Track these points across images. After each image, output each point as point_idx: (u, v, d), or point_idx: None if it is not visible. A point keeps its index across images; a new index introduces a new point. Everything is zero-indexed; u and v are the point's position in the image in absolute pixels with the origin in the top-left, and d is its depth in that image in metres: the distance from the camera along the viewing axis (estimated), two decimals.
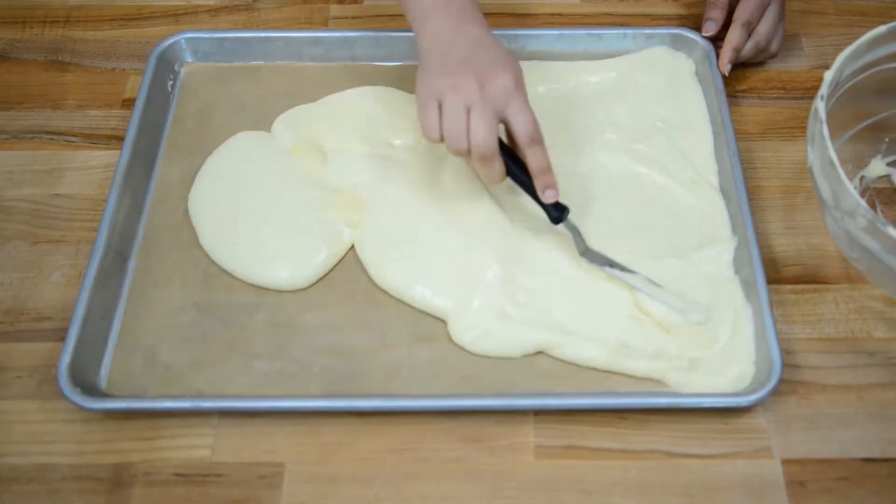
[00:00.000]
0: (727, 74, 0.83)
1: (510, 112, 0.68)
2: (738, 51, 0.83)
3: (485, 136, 0.67)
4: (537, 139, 0.69)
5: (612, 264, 0.71)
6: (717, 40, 0.86)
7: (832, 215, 0.65)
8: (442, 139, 0.68)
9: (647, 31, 0.87)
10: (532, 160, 0.69)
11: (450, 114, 0.67)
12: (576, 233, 0.72)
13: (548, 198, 0.70)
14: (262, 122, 0.83)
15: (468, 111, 0.67)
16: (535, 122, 0.68)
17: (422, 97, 0.69)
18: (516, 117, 0.68)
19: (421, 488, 0.63)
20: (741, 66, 0.86)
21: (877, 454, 0.64)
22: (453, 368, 0.68)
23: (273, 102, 0.84)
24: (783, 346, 0.67)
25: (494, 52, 0.69)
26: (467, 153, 0.68)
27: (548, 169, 0.70)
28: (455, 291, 0.70)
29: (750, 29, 0.83)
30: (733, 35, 0.83)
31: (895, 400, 0.67)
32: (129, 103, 0.85)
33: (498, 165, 0.69)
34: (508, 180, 0.71)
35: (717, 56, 0.84)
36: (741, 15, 0.83)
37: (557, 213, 0.71)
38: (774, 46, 0.86)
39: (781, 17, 0.85)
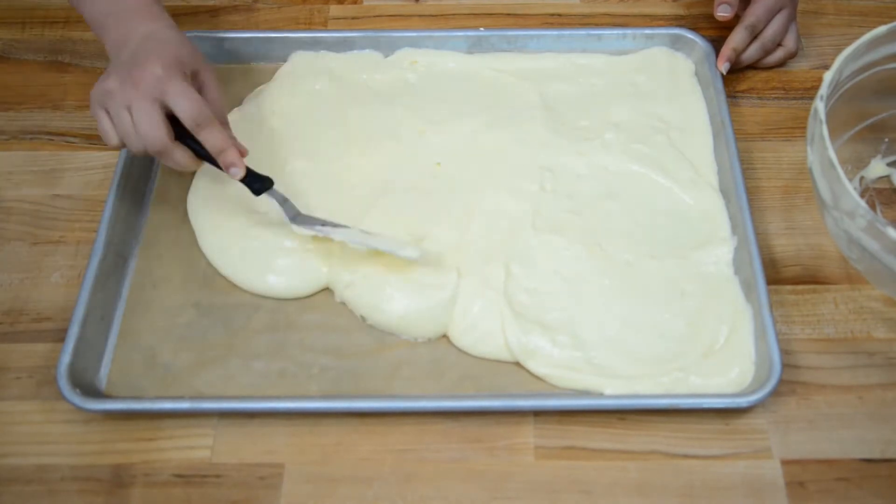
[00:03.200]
0: (724, 73, 0.83)
1: (169, 100, 0.67)
2: (737, 52, 0.83)
3: (148, 131, 0.67)
4: (203, 120, 0.67)
5: (323, 223, 0.71)
6: (717, 40, 0.85)
7: (832, 215, 0.65)
8: (123, 144, 0.69)
9: (647, 31, 0.87)
10: (206, 142, 0.68)
11: (116, 118, 0.68)
12: (283, 201, 0.72)
13: (234, 175, 0.70)
14: None
15: (129, 111, 0.67)
16: (196, 104, 0.67)
17: (91, 108, 0.70)
18: (176, 104, 0.67)
19: (421, 488, 0.63)
20: (754, 67, 0.86)
21: (877, 454, 0.64)
22: (453, 369, 0.68)
23: None
24: (783, 347, 0.67)
25: (154, 45, 0.69)
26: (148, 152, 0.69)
27: (225, 146, 0.68)
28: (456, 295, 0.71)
29: (755, 32, 0.83)
30: (735, 36, 0.83)
31: (895, 400, 0.67)
32: None
33: (179, 156, 0.69)
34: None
35: (715, 55, 0.83)
36: (747, 18, 0.83)
37: (258, 184, 0.71)
38: (791, 45, 0.85)
39: (792, 19, 0.85)
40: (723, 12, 0.84)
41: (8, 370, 0.69)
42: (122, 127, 0.68)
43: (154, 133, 0.67)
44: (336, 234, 0.70)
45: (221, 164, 0.69)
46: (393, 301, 0.70)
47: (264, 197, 0.72)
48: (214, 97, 0.70)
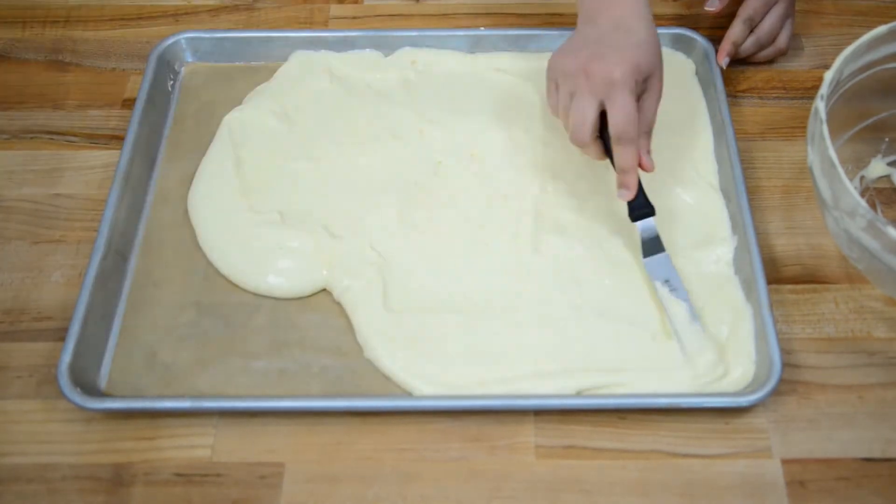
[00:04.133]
0: (724, 67, 0.83)
1: (608, 105, 0.67)
2: (737, 45, 0.83)
3: (576, 125, 0.68)
4: (625, 137, 0.67)
5: (667, 281, 0.70)
6: (717, 40, 0.85)
7: (832, 215, 0.65)
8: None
9: None
10: (616, 156, 0.69)
11: (560, 97, 0.70)
12: (651, 238, 0.71)
13: (619, 196, 0.70)
14: None
15: (571, 97, 0.68)
16: (627, 120, 0.66)
17: (547, 78, 0.72)
18: (611, 111, 0.67)
19: (421, 488, 0.63)
20: (747, 64, 0.87)
21: (877, 454, 0.64)
22: None
23: None
24: (783, 346, 0.67)
25: (623, 39, 0.68)
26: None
27: (628, 168, 0.69)
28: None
29: (752, 25, 0.83)
30: (734, 30, 0.83)
31: (895, 400, 0.67)
32: (129, 103, 0.85)
33: (593, 151, 0.70)
34: None
35: (716, 55, 0.84)
36: (744, 11, 0.83)
37: (637, 211, 0.71)
38: (783, 42, 0.85)
39: (788, 14, 0.85)
40: (710, 6, 0.85)
41: (8, 369, 0.69)
42: (559, 107, 0.70)
43: (581, 129, 0.68)
44: (669, 305, 0.69)
45: (617, 181, 0.70)
46: None
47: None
48: (650, 105, 0.69)
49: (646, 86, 0.69)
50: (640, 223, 0.71)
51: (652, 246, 0.71)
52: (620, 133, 0.67)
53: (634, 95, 0.67)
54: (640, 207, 0.71)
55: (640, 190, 0.70)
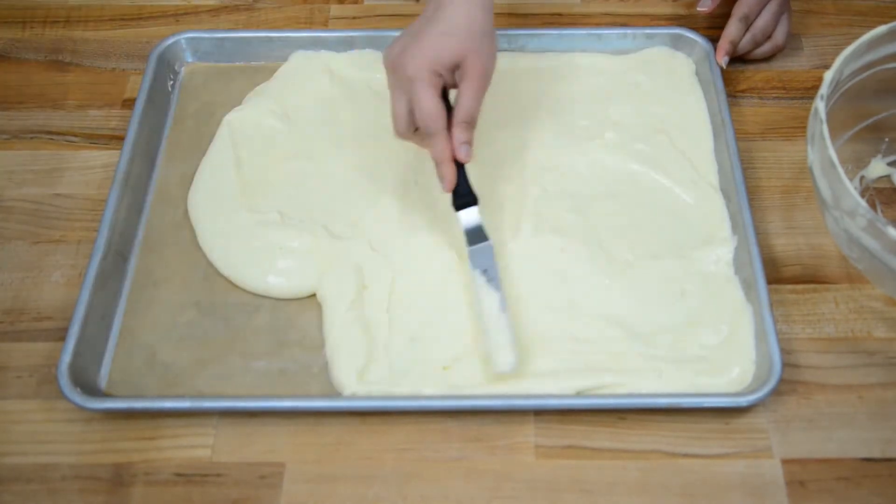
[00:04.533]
0: (724, 67, 0.83)
1: (412, 101, 0.66)
2: (734, 44, 0.83)
3: (393, 119, 0.68)
4: (429, 132, 0.66)
5: (485, 271, 0.69)
6: (717, 40, 0.86)
7: (832, 215, 0.65)
8: None
9: (647, 31, 0.87)
10: (431, 151, 0.68)
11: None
12: (474, 228, 0.70)
13: (441, 187, 0.69)
14: None
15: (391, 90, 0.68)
16: (427, 115, 0.66)
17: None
18: (414, 107, 0.67)
19: (421, 488, 0.63)
20: (747, 63, 0.87)
21: (877, 454, 0.64)
22: None
23: None
24: (783, 346, 0.67)
25: (432, 28, 0.66)
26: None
27: (439, 160, 0.68)
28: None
29: (748, 23, 0.84)
30: (730, 29, 0.83)
31: (895, 400, 0.67)
32: (129, 103, 0.85)
33: (416, 143, 0.70)
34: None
35: (715, 55, 0.84)
36: (739, 9, 0.83)
37: (460, 200, 0.70)
38: (780, 38, 0.86)
39: (783, 10, 0.85)
40: (702, 6, 0.85)
41: (8, 369, 0.69)
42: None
43: (396, 123, 0.68)
44: (482, 294, 0.68)
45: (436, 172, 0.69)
46: None
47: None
48: (466, 93, 0.66)
49: (461, 74, 0.67)
50: (462, 212, 0.70)
51: (475, 235, 0.70)
52: (424, 128, 0.67)
53: (434, 88, 0.66)
54: (463, 196, 0.70)
55: (463, 179, 0.69)
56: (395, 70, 0.67)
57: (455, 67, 0.66)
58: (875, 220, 0.61)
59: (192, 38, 0.87)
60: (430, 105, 0.65)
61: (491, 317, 0.67)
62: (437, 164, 0.68)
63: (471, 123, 0.67)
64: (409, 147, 0.80)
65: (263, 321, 0.71)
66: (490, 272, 0.69)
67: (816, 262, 0.74)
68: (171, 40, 0.87)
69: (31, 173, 0.81)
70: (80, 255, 0.75)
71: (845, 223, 0.64)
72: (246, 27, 0.92)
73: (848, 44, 0.68)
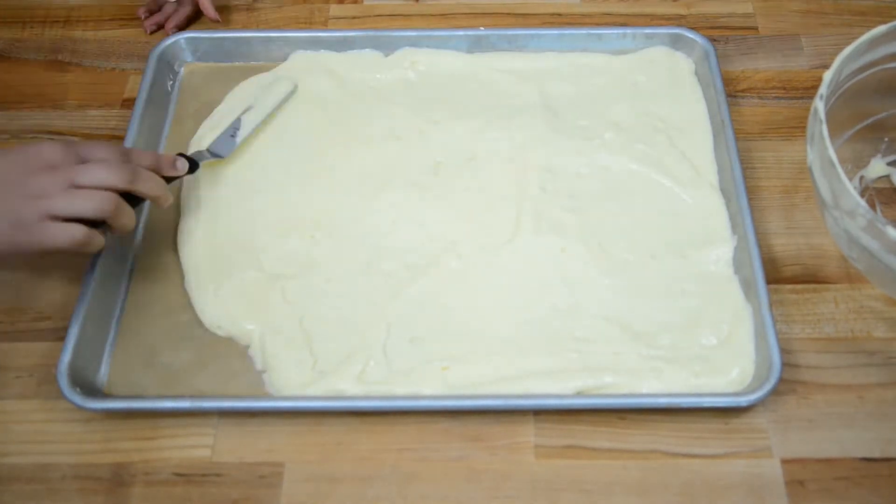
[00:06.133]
0: None
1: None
2: None
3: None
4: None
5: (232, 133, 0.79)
6: (717, 40, 0.86)
7: (832, 215, 0.65)
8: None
9: (647, 31, 0.87)
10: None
11: None
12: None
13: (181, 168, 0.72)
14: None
15: None
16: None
17: None
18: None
19: (421, 488, 0.63)
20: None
21: (877, 454, 0.64)
22: None
23: None
24: (783, 346, 0.67)
25: None
26: None
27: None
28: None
29: None
30: None
31: (895, 400, 0.67)
32: (129, 103, 0.85)
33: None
34: None
35: (715, 55, 0.83)
36: None
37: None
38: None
39: None
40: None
41: (8, 369, 0.69)
42: None
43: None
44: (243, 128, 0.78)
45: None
46: None
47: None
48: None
49: None
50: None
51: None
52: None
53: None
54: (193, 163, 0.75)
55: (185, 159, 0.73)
56: None
57: None
58: (875, 220, 0.61)
59: (192, 38, 0.87)
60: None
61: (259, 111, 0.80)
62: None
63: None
64: (411, 147, 0.81)
65: None
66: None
67: (816, 262, 0.74)
68: (170, 40, 0.87)
69: None
70: (80, 255, 0.75)
71: (845, 223, 0.64)
72: (245, 27, 0.92)
73: (848, 44, 0.68)
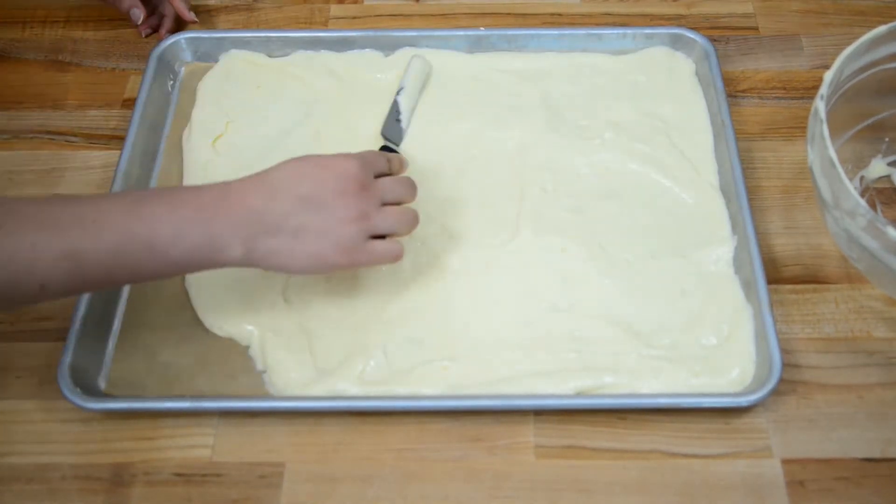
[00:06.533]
0: None
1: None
2: None
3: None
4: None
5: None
6: (717, 40, 0.86)
7: (832, 215, 0.65)
8: None
9: (647, 31, 0.87)
10: None
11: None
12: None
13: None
14: None
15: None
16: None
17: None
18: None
19: (421, 488, 0.63)
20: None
21: (877, 454, 0.64)
22: None
23: None
24: (783, 346, 0.67)
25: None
26: None
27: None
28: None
29: None
30: None
31: (895, 400, 0.67)
32: (129, 103, 0.85)
33: None
34: None
35: (716, 55, 0.83)
36: None
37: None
38: None
39: None
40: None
41: (9, 369, 0.69)
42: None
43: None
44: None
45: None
46: None
47: None
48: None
49: None
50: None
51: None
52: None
53: None
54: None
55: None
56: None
57: None
58: (875, 220, 0.61)
59: (192, 38, 0.87)
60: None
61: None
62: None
63: None
64: (411, 147, 0.80)
65: None
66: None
67: (816, 262, 0.74)
68: (170, 40, 0.87)
69: (31, 173, 0.81)
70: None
71: (845, 223, 0.64)
72: (246, 27, 0.92)
73: (848, 44, 0.68)
